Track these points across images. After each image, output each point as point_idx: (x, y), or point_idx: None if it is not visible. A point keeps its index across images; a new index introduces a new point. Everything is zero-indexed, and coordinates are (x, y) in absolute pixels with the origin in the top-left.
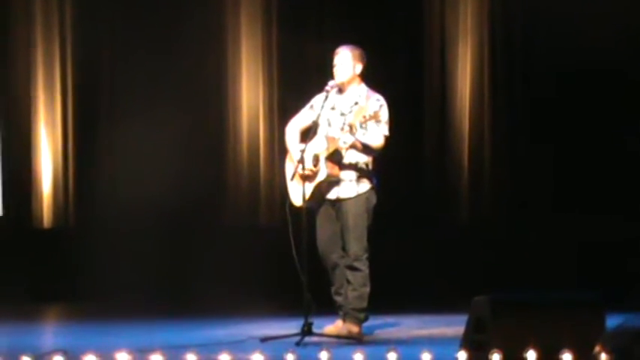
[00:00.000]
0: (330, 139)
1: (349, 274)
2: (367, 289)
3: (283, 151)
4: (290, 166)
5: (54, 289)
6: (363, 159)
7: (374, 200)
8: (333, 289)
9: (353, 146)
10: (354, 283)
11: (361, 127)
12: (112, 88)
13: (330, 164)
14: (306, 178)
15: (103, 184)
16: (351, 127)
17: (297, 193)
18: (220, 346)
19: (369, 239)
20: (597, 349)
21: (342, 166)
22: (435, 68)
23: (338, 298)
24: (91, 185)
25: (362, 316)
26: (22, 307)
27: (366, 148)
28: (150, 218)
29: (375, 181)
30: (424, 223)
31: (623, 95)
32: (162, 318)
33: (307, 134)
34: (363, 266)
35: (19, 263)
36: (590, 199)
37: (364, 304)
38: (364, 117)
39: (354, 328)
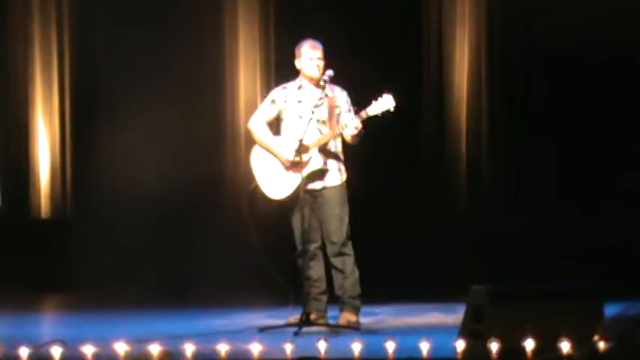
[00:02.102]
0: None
1: (339, 262)
2: (357, 274)
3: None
4: (267, 159)
5: (52, 280)
6: (340, 149)
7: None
8: (308, 283)
9: (357, 134)
10: (345, 271)
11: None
12: (109, 79)
13: (322, 154)
14: (295, 168)
15: (101, 174)
16: (357, 111)
17: (284, 185)
18: (219, 336)
19: (354, 228)
20: (596, 337)
21: (329, 156)
22: (432, 56)
23: (315, 290)
24: (88, 175)
25: (359, 303)
26: (21, 297)
27: (361, 137)
28: (147, 208)
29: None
30: (422, 211)
31: (620, 80)
32: (160, 308)
33: (272, 128)
34: (351, 251)
35: (17, 254)
36: (591, 187)
37: (359, 289)
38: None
39: (353, 317)
